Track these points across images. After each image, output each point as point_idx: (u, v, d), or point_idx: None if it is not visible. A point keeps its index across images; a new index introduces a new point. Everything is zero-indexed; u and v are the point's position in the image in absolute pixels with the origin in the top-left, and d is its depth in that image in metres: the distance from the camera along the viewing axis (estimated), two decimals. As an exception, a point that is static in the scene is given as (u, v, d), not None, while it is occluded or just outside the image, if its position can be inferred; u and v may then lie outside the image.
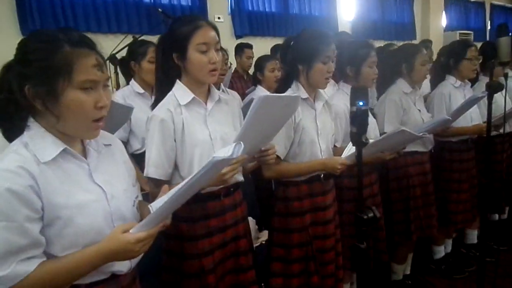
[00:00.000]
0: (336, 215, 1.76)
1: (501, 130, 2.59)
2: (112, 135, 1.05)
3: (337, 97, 1.96)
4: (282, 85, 1.66)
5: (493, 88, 1.63)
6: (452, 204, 2.48)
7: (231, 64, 2.67)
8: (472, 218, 2.54)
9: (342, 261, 1.79)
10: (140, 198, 1.08)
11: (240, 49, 3.82)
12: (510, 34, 1.63)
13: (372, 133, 2.00)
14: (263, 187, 2.39)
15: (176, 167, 1.29)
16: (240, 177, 1.42)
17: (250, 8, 4.56)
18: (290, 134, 1.59)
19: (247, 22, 4.50)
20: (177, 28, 1.28)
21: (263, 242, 2.19)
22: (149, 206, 0.95)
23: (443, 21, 7.03)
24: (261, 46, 4.17)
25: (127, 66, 2.18)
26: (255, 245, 2.17)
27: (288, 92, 1.63)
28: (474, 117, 2.43)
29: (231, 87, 3.41)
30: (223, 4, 4.42)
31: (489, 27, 8.10)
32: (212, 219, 1.34)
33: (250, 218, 2.28)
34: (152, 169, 1.24)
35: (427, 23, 6.74)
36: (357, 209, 1.17)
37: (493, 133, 2.54)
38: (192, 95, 1.30)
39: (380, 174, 2.27)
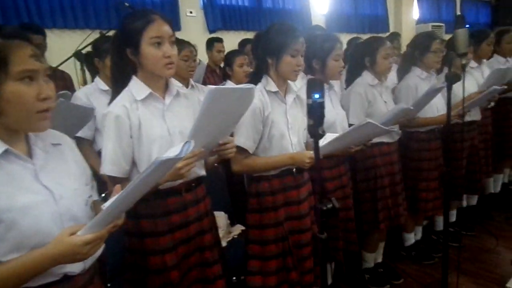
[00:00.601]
0: (311, 209, 1.78)
1: (461, 119, 2.68)
2: (62, 134, 1.03)
3: (303, 91, 1.97)
4: (252, 79, 1.66)
5: (451, 79, 1.67)
6: (421, 192, 2.55)
7: (200, 60, 2.64)
8: (441, 206, 2.60)
9: None
10: (95, 197, 1.06)
11: (211, 43, 3.80)
12: (467, 26, 1.67)
13: (339, 126, 2.03)
14: (235, 181, 2.40)
15: (134, 163, 1.28)
16: (201, 172, 1.42)
17: (222, 2, 4.53)
18: (258, 127, 1.59)
19: (220, 17, 4.46)
20: (129, 23, 1.26)
21: (235, 237, 2.20)
22: (101, 206, 0.94)
23: (416, 13, 7.15)
24: (235, 40, 4.15)
25: (92, 63, 2.14)
26: (227, 239, 2.18)
27: (259, 86, 1.63)
28: (440, 108, 2.48)
29: (204, 82, 3.39)
30: (195, -1, 4.39)
31: (460, 19, 8.28)
32: (173, 215, 1.33)
33: (222, 213, 2.30)
34: (108, 167, 1.22)
35: (400, 15, 6.85)
36: (318, 200, 1.19)
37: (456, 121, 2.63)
38: (149, 90, 1.29)
39: (351, 166, 2.32)
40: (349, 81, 2.34)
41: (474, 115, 2.81)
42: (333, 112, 2.00)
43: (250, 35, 4.24)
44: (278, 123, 1.62)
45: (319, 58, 1.95)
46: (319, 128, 1.14)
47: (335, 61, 1.94)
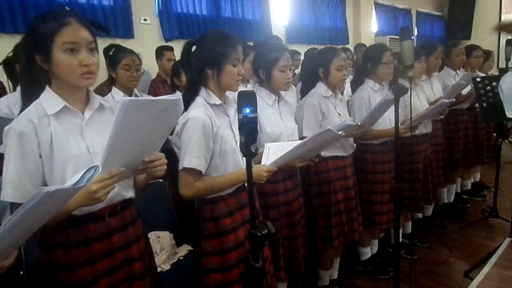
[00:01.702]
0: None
1: (416, 131, 2.70)
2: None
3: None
4: (189, 92, 1.53)
5: (398, 91, 1.64)
6: (376, 205, 2.52)
7: (144, 69, 2.51)
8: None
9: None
10: None
11: (160, 52, 3.64)
12: (412, 37, 1.64)
13: (287, 139, 1.94)
14: (184, 203, 2.25)
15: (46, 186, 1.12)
16: (128, 193, 1.27)
17: (179, 10, 4.38)
18: (209, 145, 1.45)
19: (176, 25, 4.32)
20: (38, 26, 1.10)
21: (181, 258, 2.06)
22: None
23: (374, 26, 7.33)
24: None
25: (12, 70, 1.94)
26: (172, 261, 2.03)
27: (198, 100, 1.51)
28: (393, 120, 2.47)
29: (155, 93, 3.23)
30: (150, 6, 4.21)
31: (416, 33, 8.61)
32: (94, 244, 1.17)
33: (166, 233, 2.14)
34: (9, 192, 1.04)
35: (359, 28, 7.00)
36: (251, 226, 1.08)
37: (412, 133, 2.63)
38: (63, 103, 1.13)
39: (303, 179, 2.24)
40: (304, 92, 2.28)
41: (426, 128, 2.83)
42: (281, 125, 1.91)
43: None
44: (227, 138, 1.50)
45: (265, 68, 1.87)
46: (251, 146, 1.04)
47: (281, 72, 1.86)
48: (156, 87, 3.27)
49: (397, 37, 7.32)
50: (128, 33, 3.96)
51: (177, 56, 4.05)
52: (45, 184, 1.11)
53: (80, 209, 1.08)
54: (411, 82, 1.66)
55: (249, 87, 2.24)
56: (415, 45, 3.19)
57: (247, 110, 1.02)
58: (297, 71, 3.96)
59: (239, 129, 1.03)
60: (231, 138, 1.52)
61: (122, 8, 3.91)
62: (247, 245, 1.52)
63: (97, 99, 1.22)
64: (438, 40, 8.67)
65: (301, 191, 2.08)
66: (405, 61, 1.63)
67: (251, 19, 5.20)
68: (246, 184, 1.51)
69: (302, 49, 4.64)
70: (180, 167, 1.44)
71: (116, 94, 2.19)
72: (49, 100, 1.13)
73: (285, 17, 5.71)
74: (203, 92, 1.52)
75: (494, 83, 2.46)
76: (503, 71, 3.25)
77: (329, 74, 2.15)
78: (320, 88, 2.20)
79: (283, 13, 5.67)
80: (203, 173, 1.46)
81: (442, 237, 3.18)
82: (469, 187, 4.09)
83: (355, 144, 2.33)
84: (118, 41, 3.58)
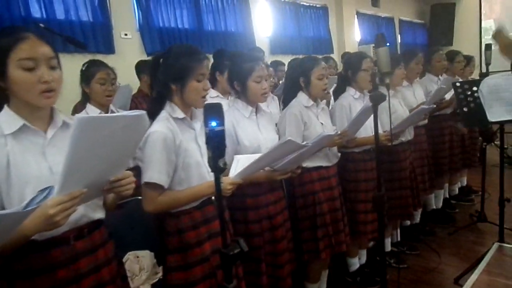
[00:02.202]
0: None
1: (402, 138, 2.68)
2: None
3: (227, 115, 1.84)
4: (154, 106, 1.51)
5: (376, 99, 1.61)
6: (360, 214, 2.47)
7: (119, 83, 2.46)
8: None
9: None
10: None
11: (143, 66, 3.60)
12: (387, 44, 1.62)
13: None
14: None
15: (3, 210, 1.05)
16: (96, 214, 1.21)
17: (160, 24, 4.36)
18: (171, 158, 1.44)
19: (158, 39, 4.29)
20: None
21: (161, 277, 1.98)
22: None
23: (357, 35, 7.41)
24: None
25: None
26: (152, 281, 1.95)
27: (162, 114, 1.49)
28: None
29: (136, 107, 3.18)
30: (130, 20, 4.18)
31: (399, 41, 8.73)
32: (59, 270, 1.10)
33: (147, 252, 2.06)
34: None
35: (343, 37, 7.06)
36: (222, 244, 1.03)
37: (396, 141, 2.62)
38: (22, 122, 1.08)
39: (288, 191, 2.20)
40: (286, 102, 2.25)
41: (408, 135, 2.82)
42: (259, 137, 1.87)
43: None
44: (192, 151, 1.48)
45: (240, 80, 1.84)
46: (219, 161, 0.99)
47: (256, 83, 1.83)
48: (137, 102, 3.22)
49: (381, 45, 7.31)
50: (109, 49, 3.91)
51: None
52: (2, 208, 1.04)
53: (41, 233, 1.02)
54: (388, 89, 1.63)
55: (231, 99, 2.20)
56: (399, 52, 3.24)
57: (213, 124, 0.97)
58: (282, 81, 3.96)
59: (206, 143, 0.99)
60: (196, 151, 1.50)
61: (102, 23, 3.87)
62: (213, 260, 1.48)
63: (60, 117, 1.17)
64: (421, 48, 8.81)
65: (286, 204, 2.03)
66: (381, 68, 1.61)
67: (234, 31, 5.21)
68: (213, 197, 1.47)
69: (286, 60, 4.61)
70: (142, 182, 1.42)
71: (91, 111, 2.14)
72: (6, 119, 1.07)
73: (268, 28, 5.74)
74: (167, 106, 1.50)
75: (474, 88, 2.46)
76: (483, 76, 3.27)
77: (310, 83, 2.13)
78: (301, 97, 2.17)
79: (266, 25, 5.70)
80: (166, 187, 1.44)
81: (431, 244, 3.15)
82: (457, 192, 4.09)
83: (339, 154, 2.30)
84: (99, 57, 3.51)
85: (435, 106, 2.71)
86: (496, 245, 2.38)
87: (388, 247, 2.95)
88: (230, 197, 1.82)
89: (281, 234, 1.93)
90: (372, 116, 2.15)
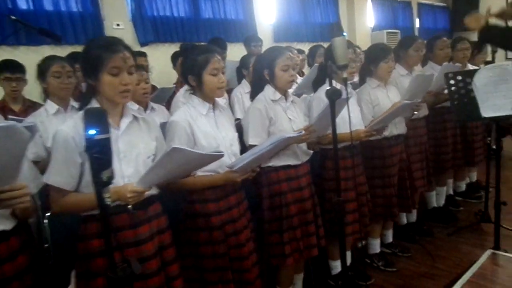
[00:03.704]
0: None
1: (386, 133, 2.48)
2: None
3: (179, 114, 1.73)
4: (82, 102, 1.39)
5: (331, 94, 1.45)
6: (341, 215, 2.31)
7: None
8: (361, 229, 2.37)
9: None
10: None
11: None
12: (344, 33, 1.45)
13: (226, 151, 1.77)
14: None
15: None
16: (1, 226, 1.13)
17: (154, 13, 4.25)
18: (74, 160, 1.31)
19: (152, 29, 4.19)
20: None
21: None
22: None
23: (370, 20, 7.05)
24: (170, 53, 3.89)
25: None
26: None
27: (80, 112, 1.36)
28: (355, 122, 2.28)
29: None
30: (122, 10, 4.09)
31: (417, 26, 8.26)
32: None
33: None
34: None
35: (354, 23, 6.73)
36: (109, 266, 0.92)
37: (377, 137, 2.43)
38: None
39: (257, 191, 2.08)
40: (253, 97, 2.10)
41: (400, 129, 2.61)
42: (218, 136, 1.74)
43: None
44: None
45: (194, 74, 1.70)
46: (102, 173, 0.88)
47: (213, 76, 1.69)
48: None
49: (396, 31, 6.93)
50: (100, 40, 3.84)
51: (155, 61, 3.94)
52: None
53: None
54: (346, 85, 1.46)
55: (184, 95, 2.07)
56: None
57: (92, 132, 0.86)
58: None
59: (86, 153, 0.88)
60: (113, 153, 1.34)
61: (92, 14, 3.80)
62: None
63: None
64: (443, 32, 8.30)
65: (247, 204, 1.91)
66: (337, 61, 1.44)
67: (234, 19, 5.04)
68: (129, 206, 1.32)
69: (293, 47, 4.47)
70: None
71: (50, 107, 2.06)
72: None
73: (272, 15, 5.51)
74: (94, 102, 1.38)
75: (468, 79, 2.23)
76: (488, 64, 2.99)
77: (274, 75, 1.96)
78: (268, 91, 2.02)
79: (269, 11, 5.48)
80: (68, 189, 1.33)
81: (427, 245, 2.94)
82: (464, 189, 3.83)
83: (310, 151, 2.14)
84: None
85: (420, 100, 2.48)
86: (488, 252, 2.17)
87: (377, 249, 2.78)
88: (191, 203, 1.73)
89: (245, 237, 1.81)
90: (345, 110, 2.00)
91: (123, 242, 1.35)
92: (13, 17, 2.50)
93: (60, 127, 1.32)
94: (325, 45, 2.86)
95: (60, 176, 1.30)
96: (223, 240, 1.73)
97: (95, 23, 3.82)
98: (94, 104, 1.36)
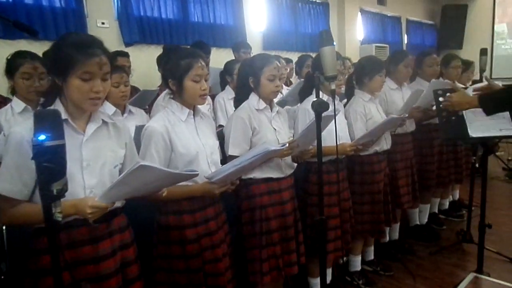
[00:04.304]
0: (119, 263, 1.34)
1: (377, 148, 2.42)
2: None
3: (156, 120, 1.62)
4: (44, 101, 1.25)
5: (317, 107, 1.37)
6: (323, 232, 2.22)
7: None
8: (343, 246, 2.29)
9: None
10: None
11: (113, 58, 3.38)
12: (333, 43, 1.37)
13: (205, 159, 1.67)
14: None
15: None
16: None
17: (141, 13, 4.14)
18: (28, 166, 1.12)
19: (138, 29, 4.07)
20: None
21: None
22: None
23: (360, 33, 7.08)
24: (155, 55, 3.77)
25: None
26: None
27: None
28: (341, 135, 2.20)
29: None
30: (108, 8, 3.97)
31: (406, 41, 8.36)
32: None
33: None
34: None
35: (343, 35, 6.75)
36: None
37: (365, 152, 2.36)
38: None
39: (236, 204, 1.97)
40: (236, 105, 2.01)
41: (388, 144, 2.56)
42: (198, 143, 1.65)
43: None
44: (67, 161, 1.21)
45: (175, 78, 1.60)
46: (52, 185, 0.77)
47: (195, 82, 1.60)
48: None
49: (384, 45, 6.96)
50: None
51: (140, 62, 3.81)
52: None
53: None
54: (334, 97, 1.39)
55: (165, 99, 1.97)
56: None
57: (42, 137, 0.75)
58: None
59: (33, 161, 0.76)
60: (74, 161, 1.21)
61: (75, 10, 3.66)
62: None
63: None
64: (430, 49, 8.41)
65: (225, 217, 1.81)
66: (326, 71, 1.36)
67: (223, 24, 4.96)
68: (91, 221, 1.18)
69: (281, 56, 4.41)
70: None
71: (16, 105, 1.91)
72: None
73: (262, 23, 5.46)
74: (56, 103, 1.24)
75: (457, 97, 2.18)
76: (476, 83, 2.98)
77: (259, 84, 1.88)
78: (253, 100, 1.93)
79: (259, 18, 5.43)
80: (20, 198, 1.18)
81: (409, 264, 2.88)
82: (447, 207, 3.80)
83: (295, 164, 2.05)
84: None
85: (407, 115, 2.44)
86: (471, 275, 2.12)
87: (358, 266, 2.70)
88: (165, 215, 1.61)
89: (222, 252, 1.70)
90: (331, 124, 1.93)
91: (80, 259, 1.21)
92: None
93: (14, 128, 1.17)
94: (314, 55, 2.82)
95: (9, 183, 1.15)
96: (197, 255, 1.62)
97: (78, 20, 3.68)
98: (58, 105, 1.23)
